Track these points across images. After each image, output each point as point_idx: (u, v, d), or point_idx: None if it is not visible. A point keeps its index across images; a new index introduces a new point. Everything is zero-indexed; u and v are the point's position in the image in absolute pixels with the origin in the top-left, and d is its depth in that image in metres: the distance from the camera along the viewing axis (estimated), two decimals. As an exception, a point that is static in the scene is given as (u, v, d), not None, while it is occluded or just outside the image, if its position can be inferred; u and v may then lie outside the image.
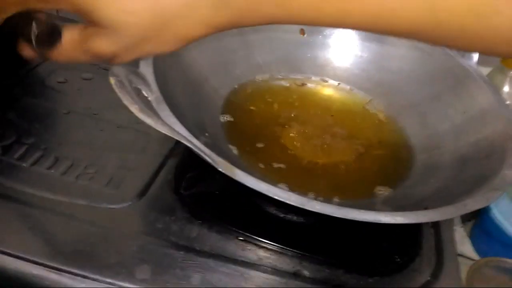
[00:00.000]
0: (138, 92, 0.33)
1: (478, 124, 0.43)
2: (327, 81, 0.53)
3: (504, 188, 0.33)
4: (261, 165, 0.41)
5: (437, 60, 0.50)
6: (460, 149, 0.43)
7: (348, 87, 0.53)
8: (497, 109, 0.43)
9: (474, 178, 0.37)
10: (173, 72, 0.40)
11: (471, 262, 0.56)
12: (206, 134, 0.40)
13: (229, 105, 0.46)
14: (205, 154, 0.29)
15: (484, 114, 0.44)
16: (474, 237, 0.66)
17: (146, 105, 0.32)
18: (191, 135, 0.31)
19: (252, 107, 0.48)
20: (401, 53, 0.53)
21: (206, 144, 0.31)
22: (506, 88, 0.55)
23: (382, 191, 0.41)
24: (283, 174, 0.40)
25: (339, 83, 0.53)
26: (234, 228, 0.39)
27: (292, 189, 0.39)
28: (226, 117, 0.45)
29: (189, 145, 0.29)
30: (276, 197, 0.29)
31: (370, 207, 0.38)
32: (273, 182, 0.38)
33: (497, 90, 0.45)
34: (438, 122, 0.47)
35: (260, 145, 0.43)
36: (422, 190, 0.40)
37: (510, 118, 0.42)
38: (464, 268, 0.54)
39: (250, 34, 0.50)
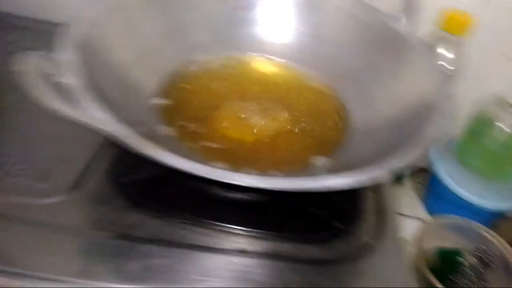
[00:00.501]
0: (53, 80, 0.32)
1: (411, 87, 0.44)
2: (266, 58, 0.53)
3: (427, 145, 0.34)
4: (196, 145, 0.40)
5: (373, 27, 0.50)
6: (394, 113, 0.43)
7: (287, 62, 0.53)
8: (430, 70, 0.43)
9: (405, 139, 0.37)
10: (98, 58, 0.39)
11: (422, 223, 0.57)
12: (136, 119, 0.39)
13: (166, 88, 0.46)
14: (123, 136, 0.28)
15: (417, 77, 0.44)
16: (425, 200, 0.67)
17: (61, 92, 0.31)
18: (113, 122, 0.31)
19: (188, 88, 0.47)
20: (337, 22, 0.53)
21: (135, 128, 0.31)
22: (449, 55, 0.55)
23: (318, 161, 0.41)
24: (218, 153, 0.40)
25: (278, 59, 0.53)
26: (175, 212, 0.39)
27: (230, 165, 0.39)
28: (162, 100, 0.44)
29: (103, 128, 0.29)
30: (200, 174, 0.29)
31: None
32: (207, 161, 0.38)
33: (430, 53, 0.46)
34: (375, 89, 0.48)
35: (196, 125, 0.43)
36: (357, 156, 0.41)
37: (440, 78, 0.42)
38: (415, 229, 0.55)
39: (183, 12, 0.49)
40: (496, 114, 0.57)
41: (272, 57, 0.53)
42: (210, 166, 0.30)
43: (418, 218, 0.66)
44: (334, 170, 0.40)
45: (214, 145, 0.41)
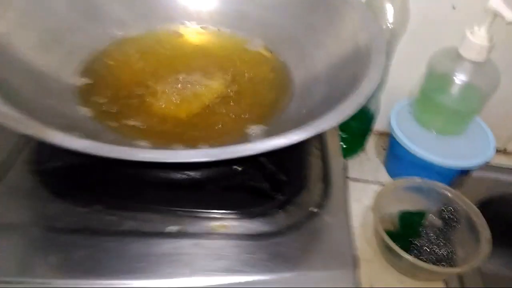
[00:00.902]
0: None
1: (347, 43, 0.41)
2: (196, 27, 0.50)
3: (360, 101, 0.31)
4: (118, 124, 0.37)
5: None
6: (331, 71, 0.41)
7: (220, 28, 0.50)
8: (365, 25, 0.41)
9: (340, 99, 0.35)
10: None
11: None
12: (50, 103, 0.36)
13: (87, 68, 0.43)
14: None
15: (352, 33, 0.42)
16: (387, 163, 0.66)
17: None
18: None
19: (112, 65, 0.44)
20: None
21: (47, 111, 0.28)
22: (387, 6, 0.53)
23: (255, 129, 0.38)
24: (145, 132, 0.37)
25: (210, 26, 0.50)
26: (101, 199, 0.36)
27: (154, 144, 0.36)
28: (82, 80, 0.41)
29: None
30: (99, 153, 0.26)
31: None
32: (131, 140, 0.35)
33: (364, 6, 0.43)
34: (314, 50, 0.45)
35: (119, 104, 0.40)
36: (296, 119, 0.38)
37: (376, 32, 0.40)
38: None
39: None
40: (448, 67, 0.54)
41: (202, 26, 0.50)
42: (121, 145, 0.27)
43: (382, 183, 0.64)
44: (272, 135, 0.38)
45: (138, 123, 0.38)
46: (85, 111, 0.38)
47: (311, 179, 0.41)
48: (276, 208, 0.37)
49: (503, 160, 0.70)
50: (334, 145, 0.45)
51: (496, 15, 0.49)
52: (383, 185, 0.62)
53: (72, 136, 0.26)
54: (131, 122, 0.38)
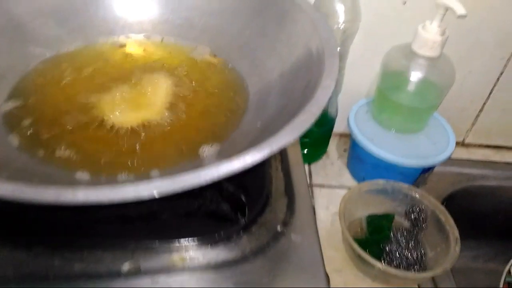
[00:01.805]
0: None
1: (299, 47, 0.39)
2: (138, 38, 0.46)
3: (316, 112, 0.29)
4: (50, 153, 0.34)
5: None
6: (284, 79, 0.38)
7: (171, 39, 0.47)
8: (314, 26, 0.38)
9: (295, 109, 0.32)
10: None
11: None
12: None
13: (20, 89, 0.38)
14: None
15: (303, 34, 0.39)
16: (349, 166, 0.64)
17: None
18: None
19: (44, 84, 0.40)
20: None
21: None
22: (338, 8, 0.51)
23: (208, 149, 0.36)
24: (81, 160, 0.34)
25: (160, 37, 0.47)
26: (45, 239, 0.32)
27: (96, 175, 0.32)
28: (11, 103, 0.37)
29: None
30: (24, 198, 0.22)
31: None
32: (68, 171, 0.31)
33: (314, 7, 0.41)
34: (266, 57, 0.42)
35: (53, 128, 0.36)
36: (251, 135, 0.36)
37: (327, 36, 0.38)
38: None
39: (18, 7, 0.41)
40: (402, 64, 0.53)
41: (145, 36, 0.47)
42: (53, 183, 0.24)
43: (347, 187, 0.62)
44: (223, 157, 0.35)
45: (73, 150, 0.34)
46: (12, 140, 0.34)
47: (274, 195, 0.38)
48: (238, 231, 0.35)
49: (462, 153, 0.70)
50: (295, 154, 0.43)
51: (446, 8, 0.48)
52: (349, 189, 0.61)
53: None
54: (65, 149, 0.34)
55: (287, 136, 0.28)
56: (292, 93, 0.36)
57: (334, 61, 0.34)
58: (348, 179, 0.63)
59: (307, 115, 0.29)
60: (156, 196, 0.23)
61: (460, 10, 0.46)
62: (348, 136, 0.67)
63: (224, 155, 0.35)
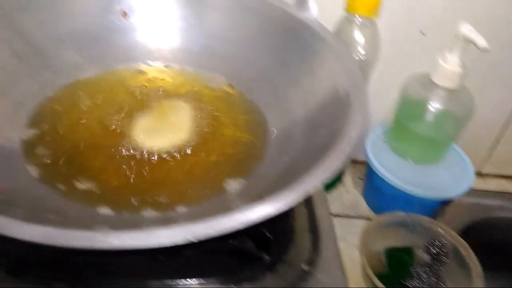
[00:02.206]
0: None
1: (324, 81, 0.38)
2: (158, 67, 0.46)
3: (347, 153, 0.28)
4: (71, 187, 0.33)
5: (277, 22, 0.45)
6: (310, 114, 0.38)
7: (190, 68, 0.47)
8: (340, 61, 0.38)
9: (324, 145, 0.32)
10: None
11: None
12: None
13: (39, 117, 0.38)
14: None
15: (329, 69, 0.39)
16: (366, 196, 0.63)
17: None
18: None
19: (67, 113, 0.39)
20: (239, 21, 0.46)
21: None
22: (357, 37, 0.51)
23: (234, 184, 0.35)
24: (102, 193, 0.33)
25: (173, 65, 0.47)
26: (59, 276, 0.31)
27: (119, 209, 0.32)
28: (31, 131, 0.36)
29: None
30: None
31: (222, 207, 0.32)
32: (90, 206, 0.31)
33: (338, 40, 0.41)
34: (287, 88, 0.42)
35: (73, 159, 0.35)
36: (277, 170, 0.35)
37: (354, 70, 0.37)
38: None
39: (41, 32, 0.41)
40: (421, 94, 0.53)
41: (164, 65, 0.46)
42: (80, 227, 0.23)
43: (364, 218, 0.61)
44: (250, 193, 0.34)
45: (94, 183, 0.33)
46: (31, 170, 0.33)
47: (298, 231, 0.37)
48: (264, 270, 0.34)
49: (479, 184, 0.69)
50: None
51: (467, 41, 0.48)
52: (365, 218, 0.60)
53: (22, 224, 0.22)
54: (86, 182, 0.33)
55: (321, 176, 0.27)
56: (319, 128, 0.36)
57: (363, 97, 0.34)
58: (364, 209, 0.62)
59: (339, 153, 0.29)
60: (193, 240, 0.22)
61: (482, 43, 0.46)
62: (363, 164, 0.66)
63: (251, 191, 0.34)
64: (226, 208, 0.25)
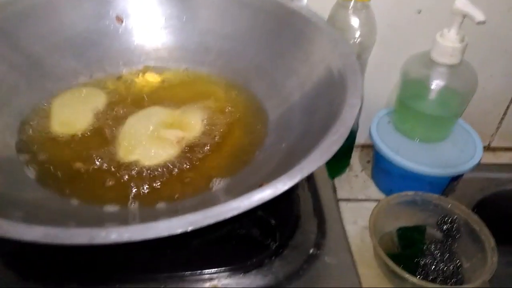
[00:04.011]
0: None
1: (319, 66, 0.39)
2: (156, 67, 0.47)
3: (344, 133, 0.29)
4: (69, 187, 0.34)
5: (270, 13, 0.45)
6: (307, 99, 0.38)
7: (186, 66, 0.47)
8: (333, 45, 0.38)
9: (320, 129, 0.32)
10: None
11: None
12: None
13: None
14: None
15: (322, 53, 0.39)
16: (375, 178, 0.63)
17: None
18: None
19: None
20: (231, 15, 0.47)
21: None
22: (352, 21, 0.51)
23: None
24: (109, 191, 0.34)
25: (176, 64, 0.47)
26: (71, 277, 0.32)
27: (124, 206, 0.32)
28: (29, 131, 0.38)
29: None
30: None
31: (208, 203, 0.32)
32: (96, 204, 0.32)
33: (330, 25, 0.41)
34: (284, 78, 0.42)
35: (74, 162, 0.36)
36: (276, 157, 0.35)
37: (347, 52, 0.37)
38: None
39: (38, 41, 0.42)
40: (422, 73, 0.53)
41: (161, 64, 0.47)
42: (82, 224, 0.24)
43: (374, 200, 0.61)
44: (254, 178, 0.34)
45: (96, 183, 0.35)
46: (30, 172, 0.34)
47: (303, 216, 0.38)
48: (270, 257, 0.34)
49: (489, 157, 0.68)
50: (320, 171, 0.43)
51: (464, 15, 0.47)
52: (375, 201, 0.60)
53: (22, 225, 0.23)
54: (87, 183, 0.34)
55: (318, 160, 0.27)
56: (315, 113, 0.36)
57: (357, 78, 0.34)
58: (374, 191, 0.62)
59: (335, 136, 0.29)
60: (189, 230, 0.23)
61: (479, 16, 0.46)
62: (370, 147, 0.66)
63: (252, 178, 0.35)
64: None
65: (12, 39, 0.40)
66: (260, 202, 0.25)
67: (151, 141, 0.38)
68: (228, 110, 0.42)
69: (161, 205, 0.33)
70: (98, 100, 0.42)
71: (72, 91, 0.43)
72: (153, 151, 0.37)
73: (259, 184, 0.27)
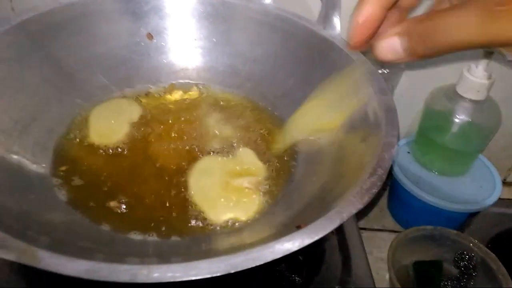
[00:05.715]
0: None
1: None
2: (184, 86, 0.47)
3: (383, 177, 0.28)
4: (97, 211, 0.34)
5: (301, 38, 0.45)
6: (337, 134, 0.38)
7: (215, 87, 0.47)
8: (367, 79, 0.38)
9: (355, 167, 0.32)
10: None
11: (394, 235, 0.52)
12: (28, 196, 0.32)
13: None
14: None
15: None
16: (391, 208, 0.63)
17: None
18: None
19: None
20: (262, 39, 0.47)
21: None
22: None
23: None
24: (132, 217, 0.33)
25: (204, 85, 0.47)
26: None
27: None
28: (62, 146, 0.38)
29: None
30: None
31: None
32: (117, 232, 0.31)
33: (364, 57, 0.41)
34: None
35: (103, 184, 0.36)
36: (307, 192, 0.35)
37: (382, 87, 0.37)
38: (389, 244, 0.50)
39: (72, 54, 0.42)
40: (446, 106, 0.52)
41: (201, 84, 0.47)
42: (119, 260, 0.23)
43: (389, 230, 0.61)
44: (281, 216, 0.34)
45: (124, 206, 0.34)
46: (60, 195, 0.34)
47: (328, 250, 0.37)
48: (296, 292, 0.34)
49: (504, 193, 0.67)
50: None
51: (493, 52, 0.47)
52: (390, 231, 0.59)
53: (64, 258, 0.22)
54: (117, 205, 0.34)
55: (357, 203, 0.27)
56: (347, 148, 0.35)
57: (394, 116, 0.34)
58: (389, 221, 0.62)
59: (374, 178, 0.29)
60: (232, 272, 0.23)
61: (509, 55, 0.45)
62: (388, 174, 0.66)
63: (284, 212, 0.34)
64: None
65: (45, 51, 0.40)
66: (301, 246, 0.24)
67: (231, 194, 0.36)
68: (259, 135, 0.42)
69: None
70: (133, 111, 0.43)
71: (107, 103, 0.43)
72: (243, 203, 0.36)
73: (296, 226, 0.26)
